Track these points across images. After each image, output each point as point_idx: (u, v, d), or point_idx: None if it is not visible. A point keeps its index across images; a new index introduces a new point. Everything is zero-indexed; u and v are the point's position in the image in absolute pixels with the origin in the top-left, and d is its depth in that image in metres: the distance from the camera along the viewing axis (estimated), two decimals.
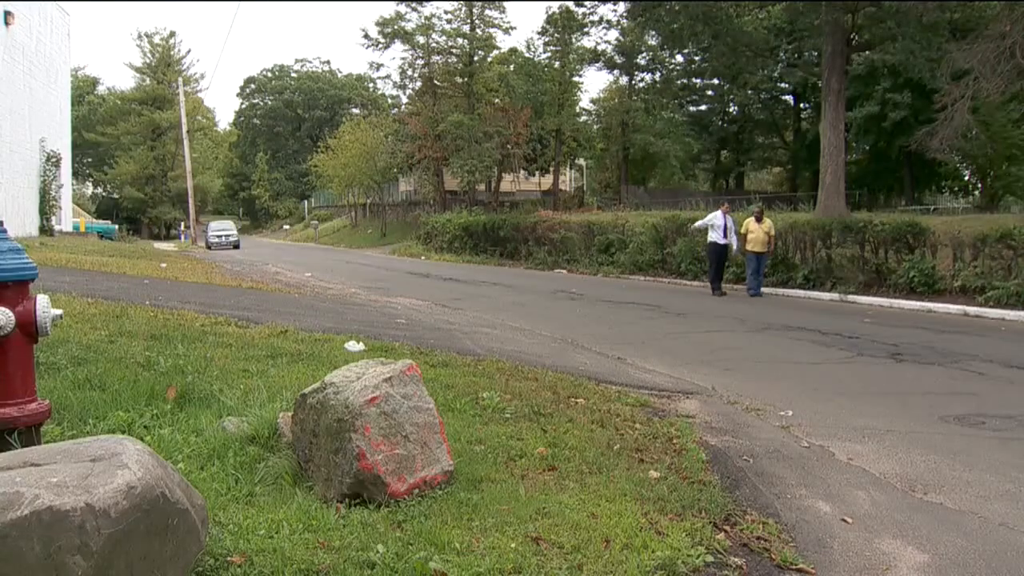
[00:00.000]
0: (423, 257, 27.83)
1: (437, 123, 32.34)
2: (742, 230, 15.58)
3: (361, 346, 6.80)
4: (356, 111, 69.85)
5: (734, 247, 15.77)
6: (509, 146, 32.33)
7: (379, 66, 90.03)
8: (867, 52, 23.62)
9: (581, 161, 45.60)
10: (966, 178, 40.85)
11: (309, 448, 3.73)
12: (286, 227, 63.77)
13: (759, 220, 15.30)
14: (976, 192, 39.54)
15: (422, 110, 33.85)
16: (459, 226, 28.17)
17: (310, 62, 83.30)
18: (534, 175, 39.80)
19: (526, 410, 5.19)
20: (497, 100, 33.87)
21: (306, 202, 70.89)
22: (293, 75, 78.07)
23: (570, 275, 20.77)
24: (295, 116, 75.82)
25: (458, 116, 31.27)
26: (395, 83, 47.23)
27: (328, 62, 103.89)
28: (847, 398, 6.49)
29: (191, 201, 40.22)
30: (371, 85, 74.22)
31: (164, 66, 58.25)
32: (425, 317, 10.61)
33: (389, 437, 3.55)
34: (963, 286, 13.53)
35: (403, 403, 3.67)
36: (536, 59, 34.91)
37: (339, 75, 79.21)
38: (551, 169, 37.38)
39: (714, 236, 15.47)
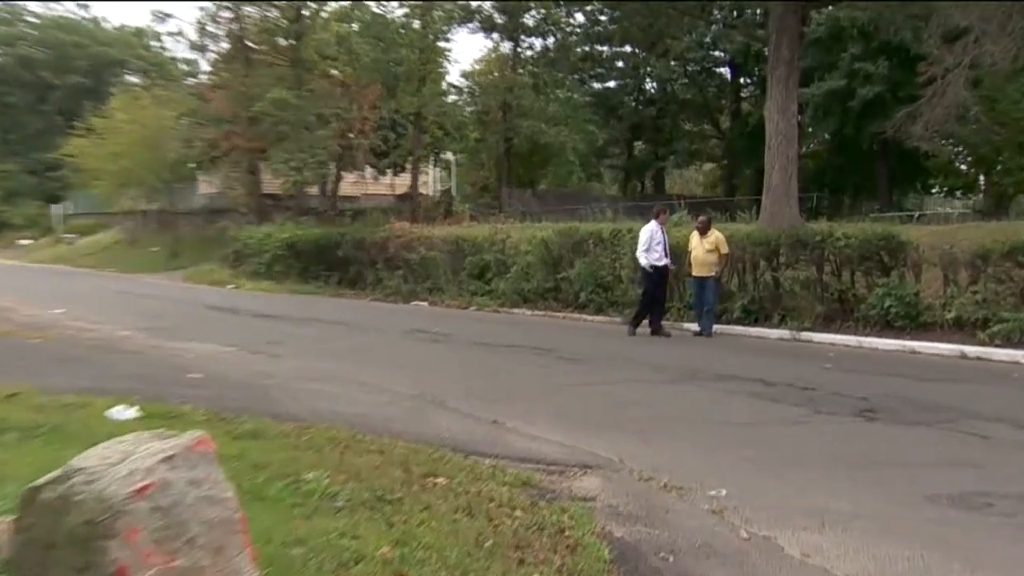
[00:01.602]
0: (231, 285, 27.47)
1: (252, 101, 31.64)
2: (687, 248, 16.27)
3: (133, 412, 6.69)
4: (133, 79, 67.22)
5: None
6: (352, 135, 32.33)
7: (166, 17, 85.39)
8: (829, 7, 24.26)
9: (449, 156, 45.75)
10: (963, 174, 40.85)
11: (41, 568, 3.49)
12: (25, 242, 60.27)
13: (703, 233, 15.71)
14: (980, 192, 39.92)
15: (230, 82, 33.16)
16: (282, 243, 28.12)
17: (59, 2, 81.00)
18: (386, 174, 39.94)
19: (366, 495, 5.19)
20: (336, 72, 33.74)
21: (58, 208, 68.19)
22: (31, 20, 72.77)
23: (433, 308, 20.95)
24: (37, 82, 70.61)
25: (281, 92, 30.76)
26: (191, 43, 45.38)
27: (87, 6, 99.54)
28: (800, 471, 6.64)
29: None
30: (155, 44, 72.38)
31: None
32: (231, 369, 10.49)
33: (166, 543, 3.38)
34: (958, 318, 13.71)
35: (189, 493, 3.51)
36: (389, 17, 34.91)
37: (106, 27, 76.18)
38: (409, 166, 37.63)
39: (652, 256, 15.70)
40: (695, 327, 15.80)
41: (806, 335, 14.75)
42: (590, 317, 18.34)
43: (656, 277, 15.83)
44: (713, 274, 15.54)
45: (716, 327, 15.66)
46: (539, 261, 20.34)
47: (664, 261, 15.79)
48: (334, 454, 6.08)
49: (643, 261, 15.87)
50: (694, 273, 15.71)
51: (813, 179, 37.71)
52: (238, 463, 5.40)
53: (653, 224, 15.96)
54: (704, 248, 15.54)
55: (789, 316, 15.53)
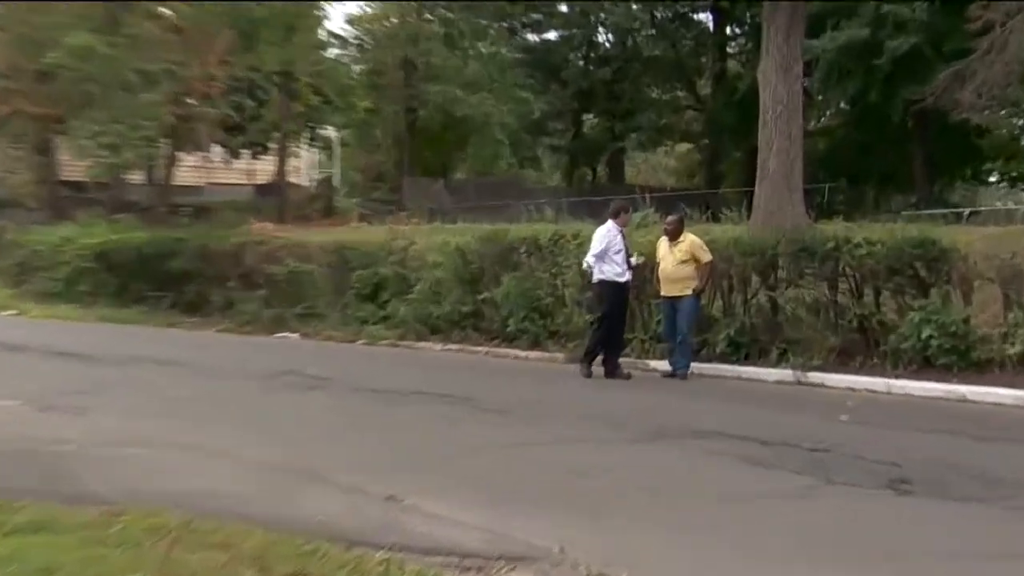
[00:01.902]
0: (12, 311, 26.91)
1: (41, 49, 30.14)
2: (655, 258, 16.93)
3: None
4: None
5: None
6: (192, 100, 32.11)
7: None
8: None
9: (331, 132, 46.51)
10: None
11: None
12: None
13: (674, 238, 15.89)
14: None
15: (6, 20, 31.56)
16: (89, 251, 27.69)
17: None
18: (241, 157, 39.81)
19: None
20: (168, 12, 33.14)
21: None
22: None
23: (306, 343, 21.09)
24: None
25: (85, 37, 29.57)
26: None
27: None
28: (806, 564, 6.67)
29: None
30: None
31: None
32: (8, 433, 10.31)
33: None
34: None
35: None
36: None
37: None
38: (274, 146, 37.71)
39: (609, 269, 15.77)
40: (665, 366, 15.96)
41: (815, 376, 14.82)
42: (523, 353, 18.46)
43: (614, 298, 15.89)
44: (688, 293, 15.55)
45: (694, 366, 15.78)
46: (453, 277, 20.56)
47: (626, 276, 15.86)
48: (157, 551, 5.93)
49: (596, 276, 15.95)
50: (663, 292, 15.88)
51: (825, 164, 38.02)
52: (15, 568, 5.27)
53: (610, 226, 15.97)
54: (675, 258, 15.65)
55: (792, 351, 15.60)
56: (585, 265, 16.08)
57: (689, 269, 15.54)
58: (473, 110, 41.31)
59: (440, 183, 43.19)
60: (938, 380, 13.85)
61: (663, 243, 15.94)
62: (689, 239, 15.81)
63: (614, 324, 16.08)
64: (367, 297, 22.12)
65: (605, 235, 15.95)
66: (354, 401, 13.40)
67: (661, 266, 15.88)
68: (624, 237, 16.10)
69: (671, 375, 15.62)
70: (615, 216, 16.25)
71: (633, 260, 16.12)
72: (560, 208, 27.50)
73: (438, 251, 21.17)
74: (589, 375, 15.70)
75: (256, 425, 11.42)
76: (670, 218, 16.40)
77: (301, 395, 13.84)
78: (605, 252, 15.85)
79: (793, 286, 16.35)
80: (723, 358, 16.22)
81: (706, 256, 15.73)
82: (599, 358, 16.03)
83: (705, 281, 15.94)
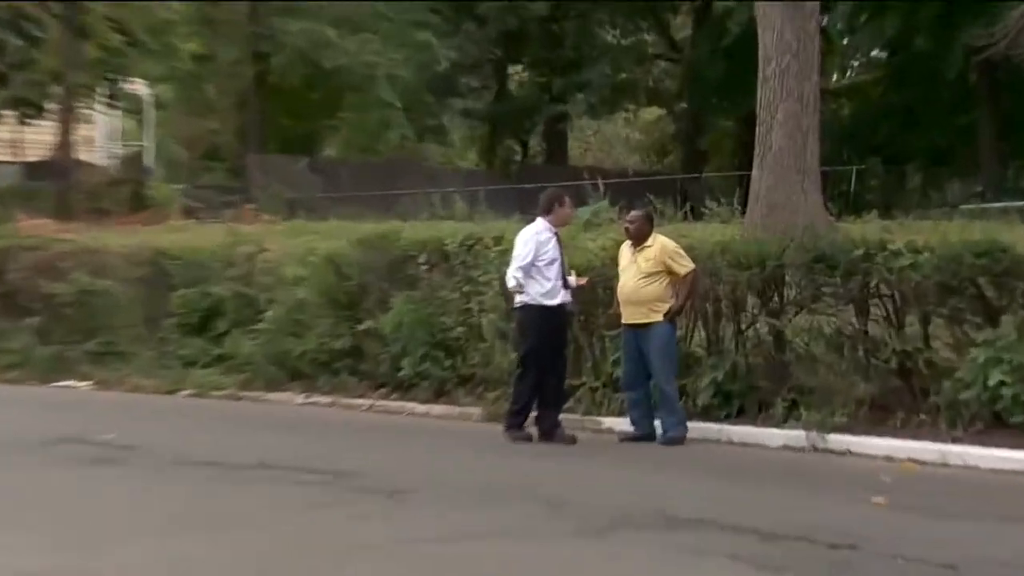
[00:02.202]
0: None
1: None
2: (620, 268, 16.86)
3: None
4: None
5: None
6: None
7: None
8: None
9: (141, 88, 46.46)
10: None
11: None
12: None
13: (637, 241, 15.94)
14: None
15: None
16: None
17: None
18: (1, 120, 40.20)
19: None
20: None
21: None
22: None
23: (102, 395, 21.01)
24: None
25: None
26: None
27: None
28: None
29: None
30: None
31: None
32: None
33: None
34: None
35: None
36: None
37: None
38: (54, 107, 37.96)
39: (537, 288, 15.68)
40: (625, 425, 16.20)
41: (838, 440, 14.85)
42: (422, 407, 18.87)
43: (544, 328, 15.95)
44: (658, 319, 15.57)
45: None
46: (322, 299, 20.93)
47: (560, 297, 15.80)
48: None
49: (520, 298, 16.09)
50: (624, 319, 16.01)
51: (851, 138, 39.48)
52: None
53: (539, 226, 16.13)
54: (639, 270, 15.70)
55: (804, 404, 15.57)
56: (512, 282, 15.82)
57: (658, 286, 15.56)
58: (350, 59, 41.43)
59: (303, 163, 43.16)
60: (1013, 446, 13.76)
61: (624, 250, 16.09)
62: (659, 243, 15.82)
63: (548, 366, 16.07)
64: (194, 329, 22.20)
65: (532, 238, 16.04)
66: (169, 481, 13.17)
67: (621, 281, 16.01)
68: (559, 242, 16.13)
69: (635, 439, 15.73)
70: (547, 211, 16.32)
71: (572, 280, 16.21)
72: (476, 199, 28.01)
73: (300, 262, 21.58)
74: (524, 438, 15.79)
75: (20, 520, 10.89)
76: (632, 214, 16.41)
77: (91, 473, 13.57)
78: (528, 263, 15.84)
79: (806, 311, 16.42)
80: (707, 413, 16.27)
81: (684, 265, 15.73)
82: (533, 415, 16.31)
83: (684, 301, 15.98)
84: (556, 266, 15.89)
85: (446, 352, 19.12)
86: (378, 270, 20.17)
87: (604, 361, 17.36)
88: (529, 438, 15.92)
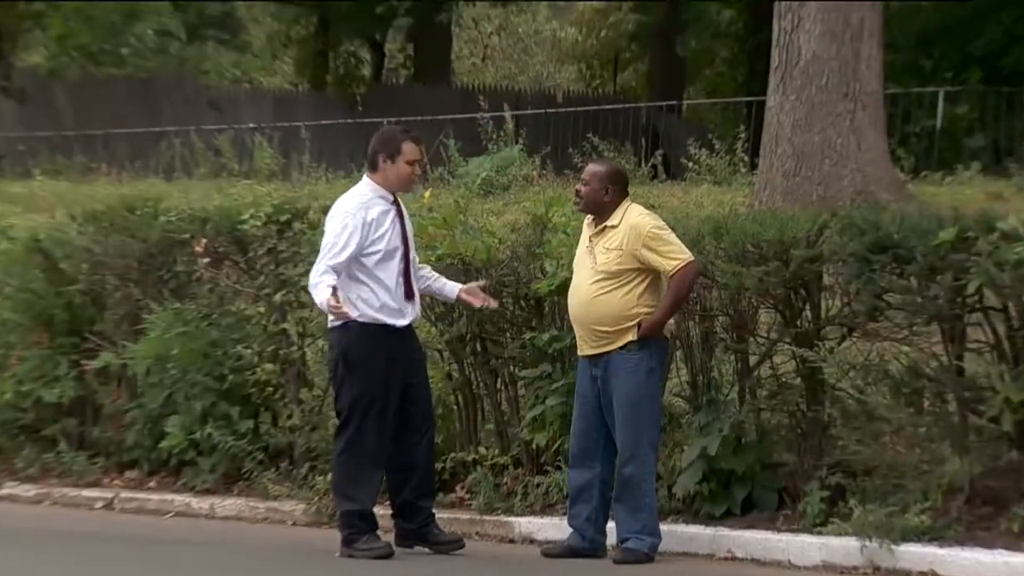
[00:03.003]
0: None
1: None
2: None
3: None
4: None
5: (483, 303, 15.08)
6: None
7: None
8: None
9: None
10: None
11: None
12: None
13: (597, 216, 14.78)
14: None
15: None
16: None
17: None
18: None
19: None
20: None
21: None
22: None
23: None
24: None
25: None
26: None
27: None
28: None
29: None
30: None
31: None
32: None
33: None
34: None
35: None
36: None
37: None
38: None
39: (370, 302, 15.18)
40: (554, 528, 15.01)
41: (913, 554, 13.57)
42: (200, 502, 18.39)
43: (385, 361, 15.24)
44: (627, 343, 14.50)
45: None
46: (23, 315, 20.06)
47: (408, 314, 15.32)
48: None
49: (335, 319, 15.16)
50: (579, 349, 14.67)
51: (936, 41, 41.05)
52: None
53: (367, 193, 15.30)
54: (596, 263, 14.48)
55: (856, 494, 14.22)
56: (320, 291, 15.30)
57: (625, 294, 14.44)
58: None
59: None
60: None
61: (584, 231, 15.06)
62: (628, 221, 14.54)
63: (391, 423, 15.45)
64: None
65: (352, 215, 15.22)
66: None
67: (573, 285, 14.84)
68: (401, 218, 15.47)
69: (571, 552, 14.81)
70: (375, 166, 15.46)
71: (435, 283, 15.92)
72: (294, 142, 27.70)
73: None
74: (378, 553, 15.00)
75: None
76: (589, 168, 15.06)
77: None
78: (340, 253, 15.28)
79: (859, 334, 14.86)
80: (693, 509, 15.45)
81: (672, 257, 14.40)
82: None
83: (666, 312, 14.85)
84: (396, 261, 15.22)
85: (243, 407, 17.82)
86: (124, 266, 19.01)
87: (515, 421, 16.31)
88: (388, 551, 14.81)
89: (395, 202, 15.33)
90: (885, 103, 19.01)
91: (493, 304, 15.66)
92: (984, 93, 36.02)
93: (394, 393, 15.16)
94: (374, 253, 15.14)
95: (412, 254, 15.40)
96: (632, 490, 14.62)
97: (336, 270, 14.92)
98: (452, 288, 15.64)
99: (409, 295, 15.35)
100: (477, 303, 15.46)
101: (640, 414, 14.67)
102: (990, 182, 17.66)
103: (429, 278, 15.90)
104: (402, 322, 15.27)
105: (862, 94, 18.29)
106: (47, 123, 36.65)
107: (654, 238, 14.52)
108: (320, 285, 14.80)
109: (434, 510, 15.66)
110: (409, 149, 15.66)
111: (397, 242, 15.21)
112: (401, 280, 15.29)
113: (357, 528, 15.07)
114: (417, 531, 15.26)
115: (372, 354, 15.13)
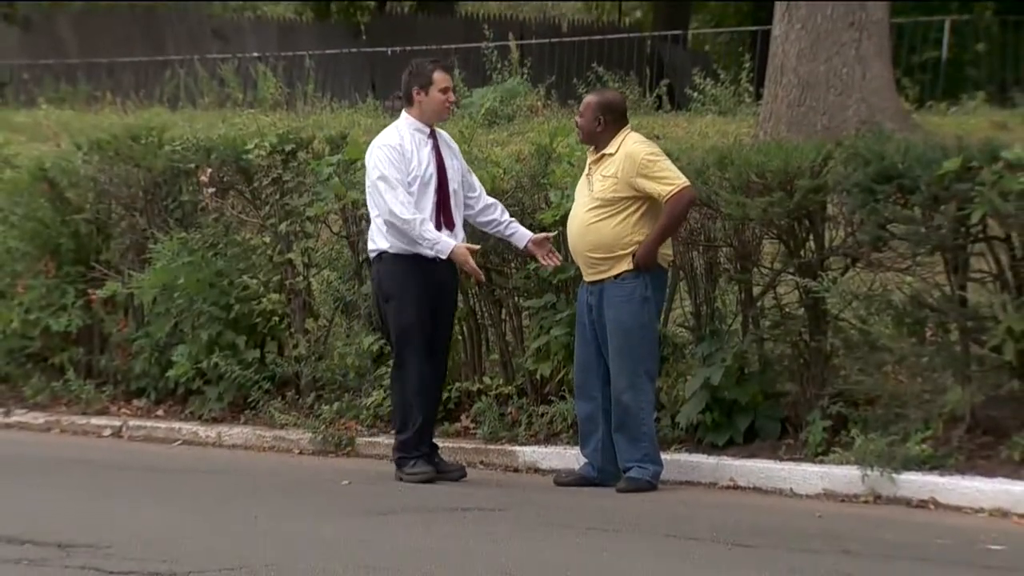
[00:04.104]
0: None
1: None
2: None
3: None
4: None
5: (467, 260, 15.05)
6: None
7: None
8: None
9: None
10: None
11: None
12: None
13: (599, 145, 15.06)
14: None
15: None
16: None
17: None
18: None
19: None
20: None
21: None
22: None
23: None
24: None
25: None
26: None
27: None
28: None
29: None
30: None
31: None
32: None
33: None
34: None
35: None
36: None
37: None
38: None
39: (399, 232, 14.98)
40: (564, 456, 15.43)
41: (914, 482, 13.87)
42: (208, 430, 18.91)
43: (409, 294, 15.51)
44: (623, 271, 14.76)
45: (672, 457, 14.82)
46: (28, 244, 20.53)
47: (441, 244, 15.24)
48: None
49: (373, 245, 15.75)
50: (586, 277, 14.78)
51: None
52: None
53: (403, 127, 15.61)
54: (593, 191, 14.76)
55: (858, 422, 14.56)
56: (407, 217, 15.46)
57: (620, 221, 14.74)
58: None
59: None
60: None
61: (588, 161, 14.92)
62: (624, 150, 14.77)
63: (423, 356, 15.60)
64: None
65: (386, 150, 15.60)
66: None
67: (571, 213, 15.10)
68: (437, 150, 15.76)
69: (581, 481, 15.13)
70: (408, 99, 15.81)
71: (497, 216, 15.75)
72: (299, 72, 27.62)
73: None
74: (423, 477, 15.45)
75: None
76: (587, 99, 15.37)
77: None
78: (386, 195, 15.60)
79: (863, 265, 15.18)
80: (696, 439, 15.83)
81: (666, 182, 14.64)
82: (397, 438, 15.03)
83: (658, 237, 14.99)
84: (431, 191, 15.46)
85: (249, 337, 18.30)
86: (129, 196, 19.51)
87: (520, 351, 16.72)
88: (429, 477, 15.30)
89: (432, 135, 15.41)
90: (891, 33, 19.03)
91: (556, 262, 15.63)
92: (990, 23, 35.74)
93: (429, 320, 15.57)
94: (409, 183, 15.12)
95: (454, 186, 15.69)
96: (630, 419, 14.87)
97: (382, 207, 15.51)
98: (522, 236, 15.67)
99: (448, 225, 15.44)
100: (542, 258, 15.68)
101: (633, 343, 14.94)
102: (995, 112, 17.65)
103: (501, 222, 15.87)
104: (431, 252, 15.36)
105: (868, 23, 18.33)
106: (51, 52, 36.46)
107: (648, 164, 14.84)
108: (440, 242, 15.62)
109: (438, 440, 15.96)
110: (440, 77, 15.91)
111: (432, 172, 15.41)
112: (437, 210, 15.29)
113: (410, 451, 15.77)
114: (418, 454, 15.84)
115: (405, 284, 15.47)
